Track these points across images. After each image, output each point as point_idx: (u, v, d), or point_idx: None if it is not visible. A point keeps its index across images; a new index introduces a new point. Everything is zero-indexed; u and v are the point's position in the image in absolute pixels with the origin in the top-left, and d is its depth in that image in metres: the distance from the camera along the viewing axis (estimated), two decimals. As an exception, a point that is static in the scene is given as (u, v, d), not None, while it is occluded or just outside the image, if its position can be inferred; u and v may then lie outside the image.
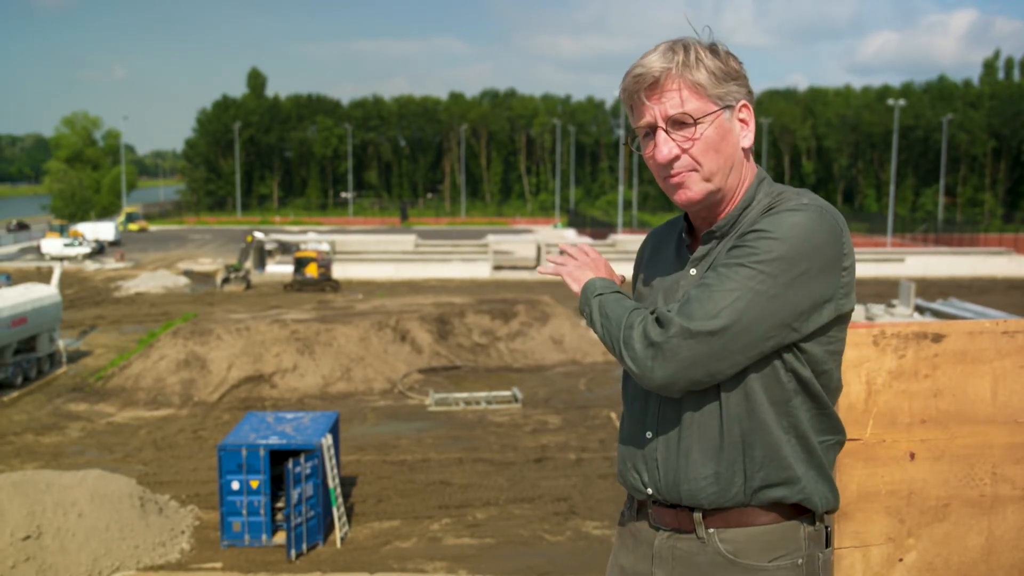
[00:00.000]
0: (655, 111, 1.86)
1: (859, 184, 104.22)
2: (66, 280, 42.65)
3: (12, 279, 37.84)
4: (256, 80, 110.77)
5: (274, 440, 14.27)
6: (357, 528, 14.89)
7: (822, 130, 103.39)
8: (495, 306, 29.33)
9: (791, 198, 1.86)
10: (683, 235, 2.05)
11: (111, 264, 52.91)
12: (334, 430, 15.23)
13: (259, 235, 46.78)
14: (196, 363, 23.99)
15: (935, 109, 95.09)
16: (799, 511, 1.90)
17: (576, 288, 2.03)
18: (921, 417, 2.07)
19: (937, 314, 29.78)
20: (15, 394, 23.47)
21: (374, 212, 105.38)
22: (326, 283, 41.92)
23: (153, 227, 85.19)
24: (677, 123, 1.86)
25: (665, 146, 1.87)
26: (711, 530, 1.90)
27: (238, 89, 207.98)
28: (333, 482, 14.58)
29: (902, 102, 75.96)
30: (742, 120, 1.91)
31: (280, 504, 14.55)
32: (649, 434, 1.96)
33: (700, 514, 1.90)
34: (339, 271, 45.24)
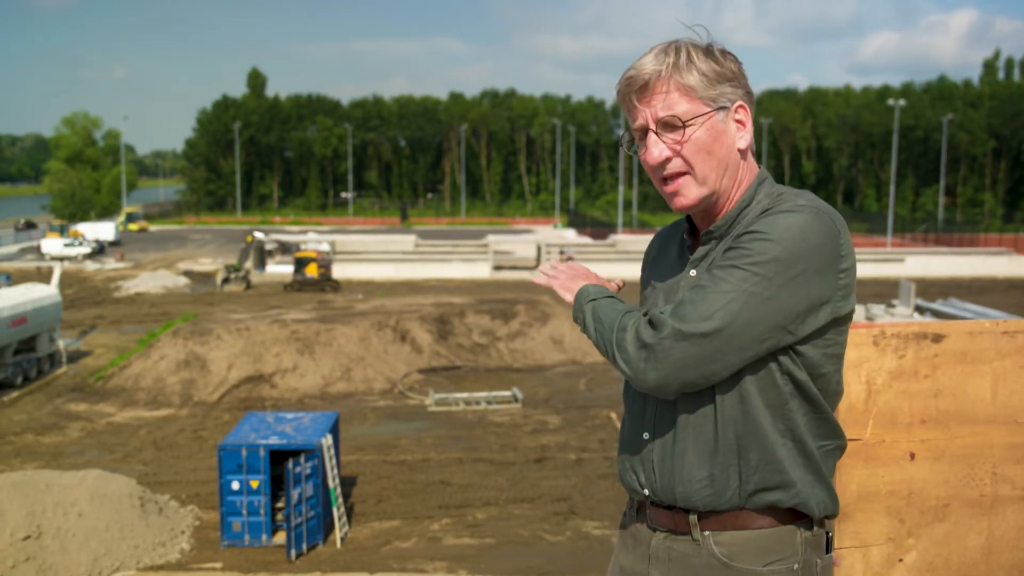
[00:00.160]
0: (646, 114, 1.87)
1: (859, 184, 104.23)
2: (66, 280, 42.65)
3: (12, 279, 37.84)
4: (256, 80, 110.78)
5: (274, 440, 14.27)
6: (357, 528, 14.89)
7: (822, 130, 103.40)
8: (495, 306, 29.33)
9: (789, 199, 1.85)
10: (684, 236, 2.05)
11: (111, 264, 52.91)
12: (334, 430, 15.23)
13: (259, 235, 46.77)
14: (196, 363, 23.99)
15: (935, 109, 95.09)
16: (796, 516, 1.89)
17: (569, 298, 2.03)
18: (921, 417, 2.07)
19: (937, 314, 29.78)
20: (15, 394, 23.47)
21: (374, 212, 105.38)
22: (326, 283, 41.92)
23: (153, 227, 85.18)
24: (667, 125, 1.86)
25: (655, 148, 1.87)
26: (706, 533, 1.90)
27: (238, 89, 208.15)
28: (333, 482, 14.58)
29: (902, 102, 75.93)
30: (738, 121, 1.90)
31: (280, 504, 14.55)
32: (646, 435, 1.96)
33: (695, 516, 1.90)
34: (339, 271, 45.24)
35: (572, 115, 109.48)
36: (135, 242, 67.65)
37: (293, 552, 13.56)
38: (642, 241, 58.75)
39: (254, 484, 13.94)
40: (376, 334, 26.09)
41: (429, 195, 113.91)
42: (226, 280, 42.67)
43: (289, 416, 15.80)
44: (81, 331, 31.55)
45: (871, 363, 2.04)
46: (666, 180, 1.90)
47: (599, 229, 73.57)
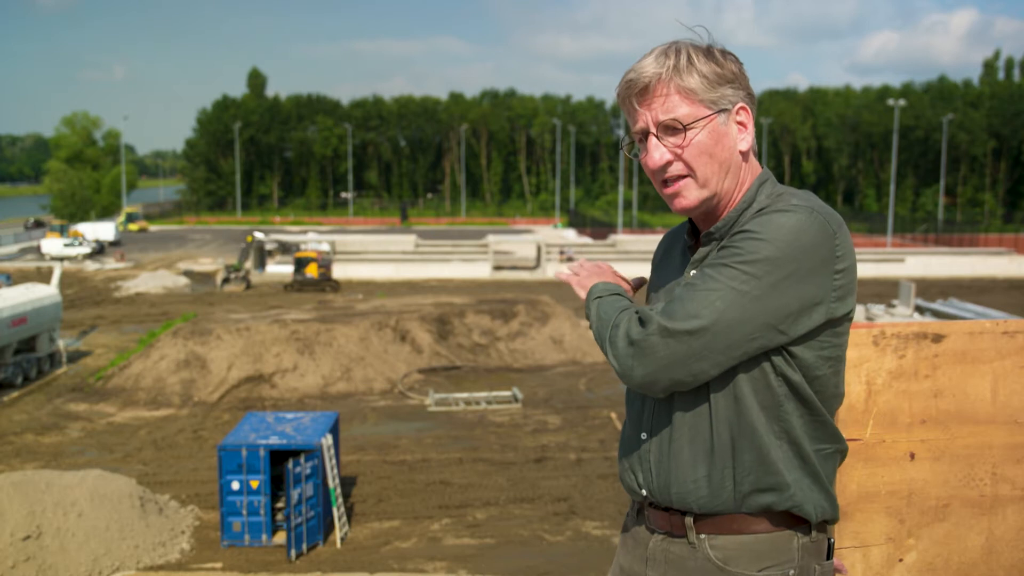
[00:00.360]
0: (647, 117, 1.86)
1: (859, 184, 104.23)
2: (66, 280, 42.67)
3: (12, 279, 37.85)
4: (256, 80, 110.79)
5: (274, 440, 14.27)
6: (357, 528, 14.89)
7: (822, 130, 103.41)
8: (495, 306, 29.33)
9: (786, 199, 1.84)
10: (686, 237, 2.05)
11: (111, 264, 52.91)
12: (334, 430, 15.23)
13: (259, 235, 46.79)
14: (196, 363, 23.99)
15: (935, 109, 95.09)
16: (794, 521, 1.88)
17: (583, 294, 2.05)
18: (921, 417, 2.07)
19: (937, 314, 29.77)
20: (15, 394, 23.47)
21: (374, 212, 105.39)
22: (326, 283, 41.93)
23: (153, 227, 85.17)
24: (668, 129, 1.85)
25: (656, 152, 1.87)
26: (702, 536, 1.89)
27: (238, 89, 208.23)
28: (333, 482, 14.58)
29: (902, 102, 75.92)
30: (740, 123, 1.89)
31: (280, 504, 14.56)
32: (644, 435, 1.96)
33: (691, 519, 1.89)
34: (339, 271, 45.25)
35: (572, 115, 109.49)
36: (135, 242, 67.64)
37: (293, 552, 13.56)
38: (642, 241, 58.76)
39: (254, 484, 13.94)
40: (376, 334, 26.09)
41: (429, 195, 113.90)
42: (226, 280, 42.67)
43: (289, 416, 15.80)
44: (81, 331, 31.56)
45: (871, 363, 2.04)
46: (666, 182, 1.90)
47: (599, 229, 73.59)
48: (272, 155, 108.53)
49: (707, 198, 1.88)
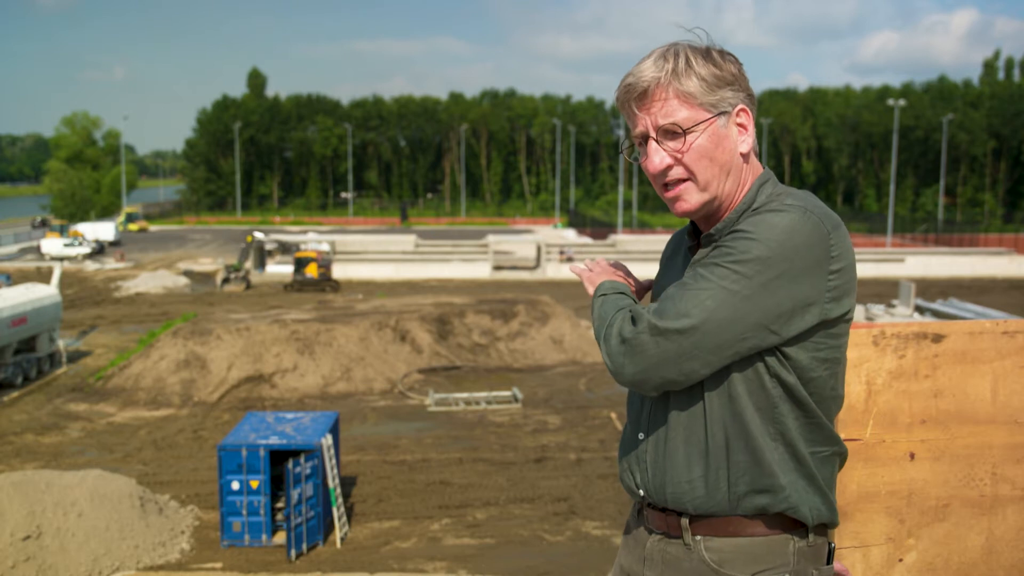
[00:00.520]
0: (646, 121, 1.85)
1: (859, 184, 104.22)
2: (66, 280, 42.66)
3: (12, 279, 37.84)
4: (256, 80, 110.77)
5: (274, 440, 14.27)
6: (357, 528, 14.89)
7: (822, 130, 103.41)
8: (495, 306, 29.32)
9: (781, 199, 1.83)
10: (687, 238, 2.05)
11: (111, 264, 52.91)
12: (334, 430, 15.23)
13: (259, 235, 46.80)
14: (196, 363, 23.99)
15: (935, 109, 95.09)
16: (790, 524, 1.87)
17: (591, 291, 2.06)
18: (921, 417, 2.07)
19: (937, 314, 29.77)
20: (15, 394, 23.47)
21: (374, 212, 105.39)
22: (326, 283, 41.93)
23: (153, 227, 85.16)
24: (667, 133, 1.84)
25: (656, 156, 1.86)
26: (697, 537, 1.89)
27: (238, 89, 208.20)
28: (333, 482, 14.58)
29: (902, 102, 75.92)
30: (740, 125, 1.88)
31: (280, 504, 14.56)
32: (641, 435, 1.97)
33: (687, 520, 1.89)
34: (339, 271, 45.25)
35: (572, 115, 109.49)
36: (135, 242, 67.64)
37: (293, 552, 13.56)
38: (642, 241, 58.79)
39: (254, 484, 13.94)
40: (376, 334, 26.09)
41: (429, 195, 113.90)
42: (226, 280, 42.68)
43: (289, 416, 15.80)
44: (81, 331, 31.56)
45: (871, 363, 2.04)
46: (667, 186, 1.89)
47: (599, 229, 73.60)
48: (272, 155, 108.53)
49: (708, 201, 1.88)
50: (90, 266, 51.87)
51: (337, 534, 14.38)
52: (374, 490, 16.52)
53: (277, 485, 14.66)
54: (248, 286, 42.39)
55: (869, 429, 2.06)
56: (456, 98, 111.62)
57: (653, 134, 1.85)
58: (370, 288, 42.45)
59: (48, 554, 12.73)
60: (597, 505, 15.75)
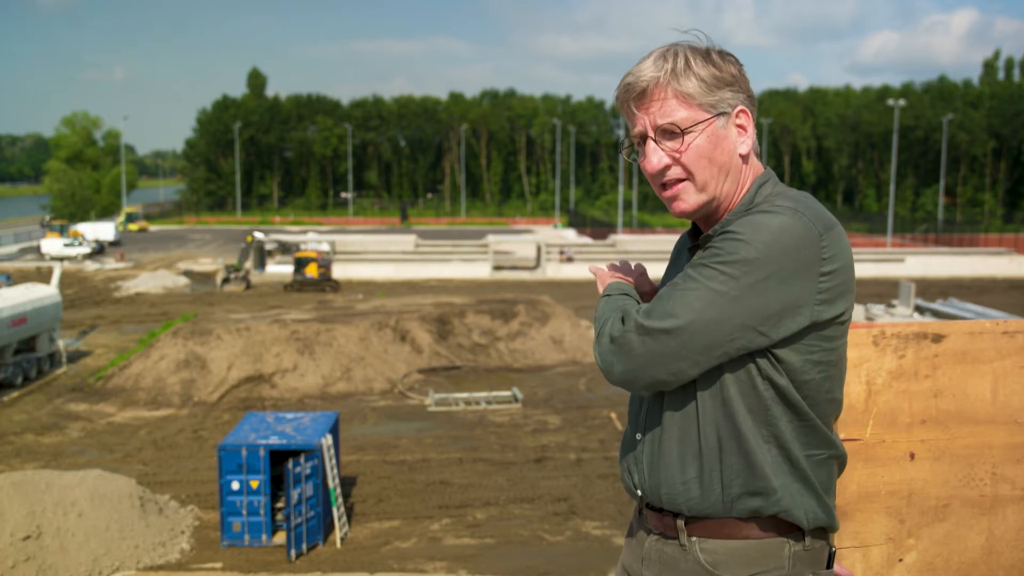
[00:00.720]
0: (645, 121, 1.85)
1: (859, 184, 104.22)
2: (66, 280, 42.66)
3: (12, 279, 37.84)
4: (256, 80, 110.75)
5: (274, 440, 14.27)
6: (357, 528, 14.89)
7: (822, 130, 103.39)
8: (495, 306, 29.32)
9: (773, 200, 1.82)
10: (687, 238, 2.05)
11: (111, 264, 52.91)
12: (334, 430, 15.23)
13: (259, 235, 46.80)
14: (196, 363, 23.99)
15: (935, 109, 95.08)
16: (786, 527, 1.85)
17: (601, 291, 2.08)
18: (921, 417, 2.07)
19: (937, 314, 29.77)
20: (15, 394, 23.47)
21: (374, 212, 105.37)
22: (326, 283, 41.93)
23: (153, 227, 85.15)
24: (666, 133, 1.84)
25: (654, 156, 1.86)
26: (693, 538, 1.89)
27: (238, 89, 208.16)
28: (333, 482, 14.58)
29: (902, 102, 75.89)
30: (739, 126, 1.87)
31: (280, 504, 14.56)
32: (638, 436, 1.97)
33: (683, 521, 1.89)
34: (339, 271, 45.25)
35: (572, 115, 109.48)
36: (135, 242, 67.63)
37: (293, 552, 13.56)
38: (642, 241, 58.80)
39: (254, 484, 13.94)
40: (376, 334, 26.09)
41: (429, 195, 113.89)
42: (226, 280, 42.68)
43: (289, 416, 15.81)
44: (81, 331, 31.56)
45: (871, 363, 2.04)
46: (665, 186, 1.89)
47: (599, 229, 73.60)
48: (272, 155, 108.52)
49: (706, 202, 1.88)
50: (90, 266, 51.87)
51: (337, 534, 14.38)
52: (374, 490, 16.52)
53: (277, 485, 14.66)
54: (248, 286, 42.39)
55: (869, 429, 2.06)
56: (456, 98, 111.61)
57: (651, 134, 1.85)
58: (370, 288, 42.45)
59: (48, 554, 12.73)
60: (597, 505, 15.75)
